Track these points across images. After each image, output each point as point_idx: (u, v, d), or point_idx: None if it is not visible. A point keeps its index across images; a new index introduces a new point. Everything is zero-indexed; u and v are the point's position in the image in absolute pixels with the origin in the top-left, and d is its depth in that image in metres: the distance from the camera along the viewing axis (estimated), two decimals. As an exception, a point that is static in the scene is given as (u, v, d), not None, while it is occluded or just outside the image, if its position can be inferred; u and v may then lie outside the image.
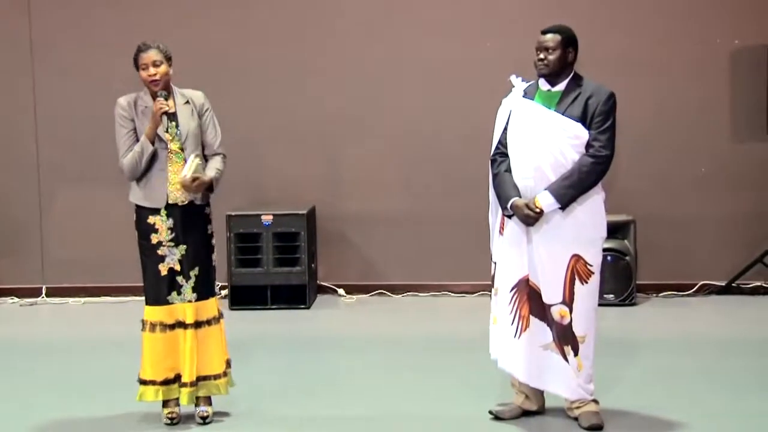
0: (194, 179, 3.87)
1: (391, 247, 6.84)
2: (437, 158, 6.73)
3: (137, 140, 3.91)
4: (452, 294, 6.75)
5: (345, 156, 6.87)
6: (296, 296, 6.42)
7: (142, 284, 4.03)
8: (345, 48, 6.75)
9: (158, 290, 3.94)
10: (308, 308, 6.44)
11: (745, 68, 6.48)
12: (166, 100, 3.90)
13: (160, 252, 3.93)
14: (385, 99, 6.77)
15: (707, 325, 5.88)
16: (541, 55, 3.86)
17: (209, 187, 3.99)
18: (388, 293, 6.80)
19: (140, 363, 4.02)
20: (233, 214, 6.41)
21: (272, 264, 6.41)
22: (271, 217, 6.42)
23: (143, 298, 4.03)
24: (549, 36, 3.86)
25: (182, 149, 3.94)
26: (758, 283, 6.58)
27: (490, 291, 4.08)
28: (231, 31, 6.77)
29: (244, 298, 6.41)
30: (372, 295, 6.79)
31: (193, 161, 3.89)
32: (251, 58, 6.76)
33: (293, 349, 5.46)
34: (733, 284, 6.55)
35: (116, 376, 4.63)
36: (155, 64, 3.91)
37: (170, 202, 3.93)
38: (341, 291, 6.81)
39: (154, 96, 3.94)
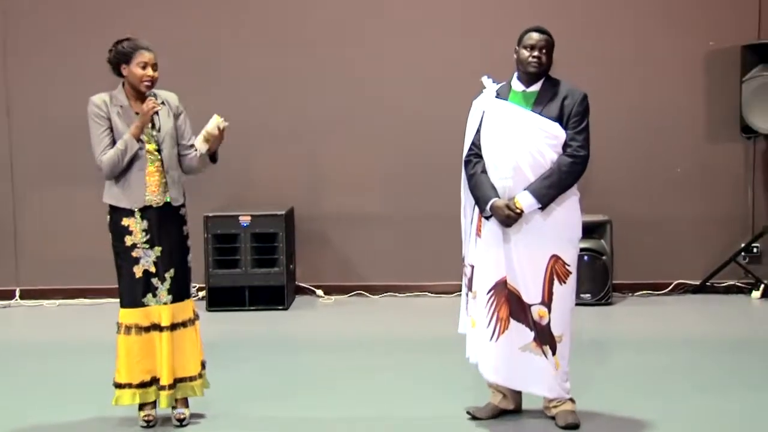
0: (221, 130, 3.84)
1: (369, 247, 6.84)
2: (415, 159, 6.75)
3: (113, 139, 3.87)
4: (431, 294, 6.76)
5: (323, 157, 6.87)
6: (274, 297, 6.40)
7: (117, 286, 4.00)
8: (324, 49, 6.75)
9: (133, 292, 3.91)
10: (286, 309, 6.43)
11: (719, 69, 6.54)
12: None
13: (134, 254, 3.90)
14: (364, 100, 6.78)
15: (682, 324, 5.93)
16: (536, 53, 3.85)
17: (214, 158, 3.99)
18: (367, 294, 6.80)
19: (115, 366, 3.99)
20: (211, 215, 6.39)
21: (250, 265, 6.40)
22: (249, 218, 6.41)
23: (118, 300, 4.00)
24: (544, 36, 3.87)
25: (159, 150, 3.92)
26: (732, 282, 6.65)
27: (463, 294, 4.09)
28: (211, 33, 6.74)
29: (222, 299, 6.39)
30: (350, 295, 6.80)
31: (218, 118, 3.86)
32: (230, 60, 6.75)
33: (271, 350, 5.45)
34: (707, 283, 6.61)
35: (92, 379, 4.59)
36: (154, 67, 3.88)
37: (146, 204, 3.90)
38: (320, 292, 6.81)
39: (135, 96, 3.90)
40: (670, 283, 6.66)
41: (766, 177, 6.54)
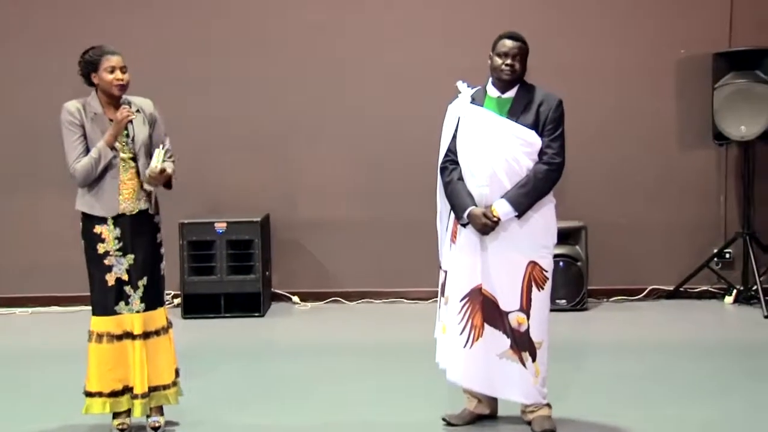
0: (162, 170, 3.82)
1: (345, 254, 6.84)
2: (391, 165, 6.76)
3: (87, 146, 3.84)
4: (406, 301, 6.77)
5: (299, 163, 6.86)
6: (250, 304, 6.38)
7: (89, 294, 3.96)
8: (299, 55, 6.75)
9: (106, 300, 3.88)
10: (262, 316, 6.41)
11: (691, 77, 6.61)
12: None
13: (107, 262, 3.87)
14: (339, 106, 6.78)
15: (657, 329, 5.97)
16: (509, 61, 3.86)
17: (168, 183, 3.95)
18: (343, 300, 6.80)
19: (86, 375, 3.94)
20: (186, 221, 6.36)
21: (226, 272, 6.38)
22: (224, 224, 6.38)
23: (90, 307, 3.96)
24: (517, 43, 3.87)
25: (134, 158, 3.90)
26: (705, 288, 6.71)
27: (439, 299, 4.10)
28: (185, 39, 6.72)
29: (197, 306, 6.36)
30: (327, 302, 6.79)
31: (161, 152, 3.83)
32: (204, 66, 6.72)
33: (247, 357, 5.43)
34: (681, 289, 6.67)
35: (65, 388, 4.54)
36: (123, 70, 3.85)
37: (120, 212, 3.87)
38: (295, 298, 6.79)
39: (109, 102, 3.87)
40: (645, 289, 6.72)
41: (738, 183, 6.61)
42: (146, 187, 3.90)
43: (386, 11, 6.74)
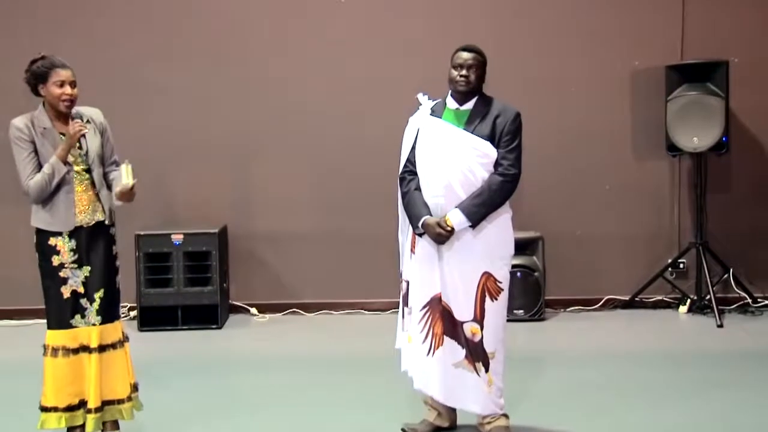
0: (132, 186, 3.78)
1: (303, 265, 6.82)
2: (348, 175, 6.76)
3: (39, 162, 3.77)
4: (365, 312, 6.76)
5: (256, 174, 6.83)
6: (208, 316, 6.33)
7: (44, 307, 3.89)
8: (258, 66, 6.73)
9: (61, 313, 3.81)
10: (220, 328, 6.36)
11: (644, 89, 6.70)
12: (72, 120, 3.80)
13: (62, 274, 3.81)
14: (295, 117, 6.77)
15: (613, 339, 6.03)
16: (464, 72, 3.90)
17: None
18: (301, 312, 6.77)
19: (41, 389, 3.87)
20: (142, 233, 6.29)
21: (183, 284, 6.32)
22: (181, 236, 6.33)
23: (45, 321, 3.89)
24: (472, 55, 3.91)
25: (88, 170, 3.85)
26: (660, 297, 6.79)
27: (400, 309, 4.10)
28: (139, 51, 6.66)
29: (153, 318, 6.29)
30: (285, 313, 6.75)
31: (128, 167, 3.79)
32: (158, 77, 6.67)
33: (205, 369, 5.38)
34: (636, 299, 6.75)
35: (17, 402, 4.47)
36: (72, 85, 3.79)
37: (77, 224, 3.81)
38: (254, 310, 6.75)
39: (57, 115, 3.81)
40: (601, 299, 6.78)
41: (691, 194, 6.71)
42: (116, 202, 3.86)
43: (346, 24, 6.74)
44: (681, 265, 6.77)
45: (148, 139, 6.41)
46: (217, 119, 6.73)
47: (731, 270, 6.63)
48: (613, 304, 6.78)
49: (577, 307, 6.73)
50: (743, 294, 6.65)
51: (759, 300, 6.65)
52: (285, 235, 6.80)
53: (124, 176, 3.78)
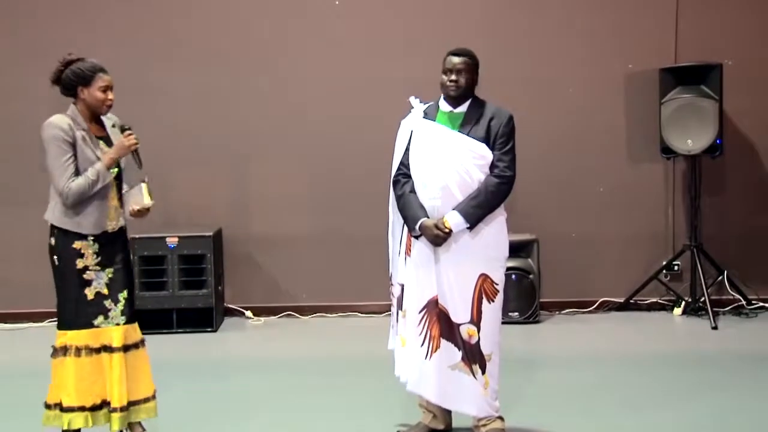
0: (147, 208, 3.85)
1: (298, 268, 6.82)
2: (343, 178, 6.76)
3: (77, 165, 3.72)
4: (360, 314, 6.76)
5: (251, 177, 6.83)
6: (203, 319, 6.32)
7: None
8: (254, 68, 6.73)
9: (84, 314, 3.79)
10: (215, 331, 6.35)
11: (638, 91, 6.72)
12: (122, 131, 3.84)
13: (86, 276, 3.79)
14: (292, 121, 6.77)
15: (608, 341, 6.04)
16: (453, 77, 3.91)
17: None
18: (296, 315, 6.77)
19: (61, 390, 3.80)
20: (137, 236, 6.28)
21: (178, 287, 6.31)
22: (176, 239, 6.32)
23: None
24: (461, 59, 3.92)
25: (118, 176, 3.87)
26: (654, 299, 6.81)
27: (393, 312, 4.10)
28: (137, 51, 6.66)
29: (148, 322, 6.19)
30: (280, 316, 6.75)
31: (146, 186, 3.83)
32: (155, 78, 6.67)
33: (200, 373, 5.37)
34: (631, 301, 6.76)
35: (17, 404, 4.46)
36: (112, 90, 3.82)
37: (105, 229, 3.81)
38: (249, 313, 6.75)
39: (90, 118, 3.80)
40: (596, 301, 6.79)
41: (686, 196, 6.73)
42: (127, 216, 3.90)
43: (342, 26, 6.75)
44: (675, 268, 6.79)
45: (143, 141, 6.37)
46: (212, 121, 6.73)
47: (726, 272, 6.65)
48: (607, 307, 6.79)
49: (571, 310, 6.74)
50: (738, 296, 6.67)
51: (753, 302, 6.67)
52: (280, 238, 6.80)
53: (145, 196, 3.82)
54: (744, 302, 6.64)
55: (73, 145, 3.73)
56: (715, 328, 6.16)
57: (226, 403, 4.74)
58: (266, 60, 6.74)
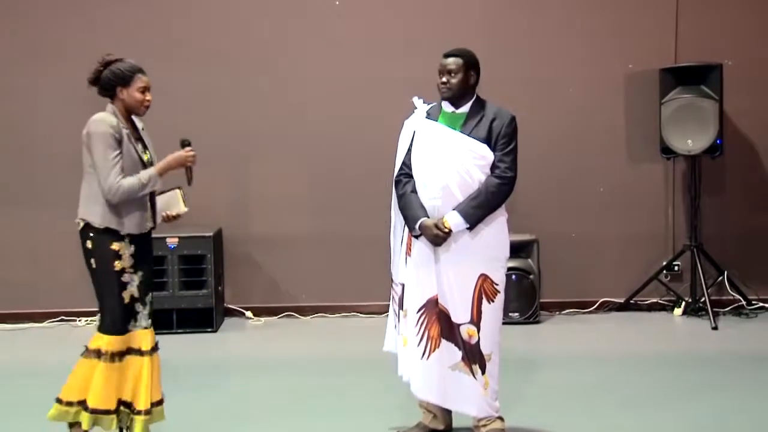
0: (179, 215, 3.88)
1: (298, 268, 6.82)
2: (343, 178, 6.76)
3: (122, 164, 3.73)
4: (360, 315, 6.76)
5: (251, 177, 6.83)
6: (203, 319, 6.32)
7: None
8: (254, 68, 6.73)
9: (121, 319, 3.77)
10: (215, 332, 6.35)
11: (638, 91, 6.72)
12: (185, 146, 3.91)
13: (124, 279, 3.77)
14: (291, 120, 6.77)
15: (608, 341, 6.04)
16: (444, 78, 3.92)
17: None
18: (297, 315, 6.77)
19: (85, 390, 3.76)
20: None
21: (178, 287, 6.31)
22: (176, 239, 6.32)
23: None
24: (451, 59, 3.93)
25: None
26: (654, 300, 6.81)
27: (393, 312, 4.10)
28: (136, 51, 6.59)
29: (148, 322, 6.27)
30: (280, 317, 6.75)
31: (181, 192, 3.88)
32: (154, 79, 6.55)
33: (200, 373, 5.37)
34: (631, 301, 6.76)
35: (17, 404, 4.46)
36: (150, 90, 3.84)
37: (144, 230, 3.82)
38: (249, 313, 6.75)
39: (127, 118, 3.81)
40: (596, 301, 6.79)
41: (686, 196, 6.73)
42: (158, 220, 3.93)
43: (342, 26, 6.75)
44: (676, 268, 6.79)
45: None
46: (212, 121, 6.72)
47: (726, 272, 6.65)
48: (607, 307, 6.79)
49: (572, 310, 6.74)
50: (738, 296, 6.67)
51: (753, 302, 6.68)
52: (280, 238, 6.79)
53: (181, 204, 3.89)
54: (744, 302, 6.64)
55: (120, 143, 3.72)
56: (715, 328, 6.16)
57: (226, 404, 4.74)
58: (266, 60, 6.74)
